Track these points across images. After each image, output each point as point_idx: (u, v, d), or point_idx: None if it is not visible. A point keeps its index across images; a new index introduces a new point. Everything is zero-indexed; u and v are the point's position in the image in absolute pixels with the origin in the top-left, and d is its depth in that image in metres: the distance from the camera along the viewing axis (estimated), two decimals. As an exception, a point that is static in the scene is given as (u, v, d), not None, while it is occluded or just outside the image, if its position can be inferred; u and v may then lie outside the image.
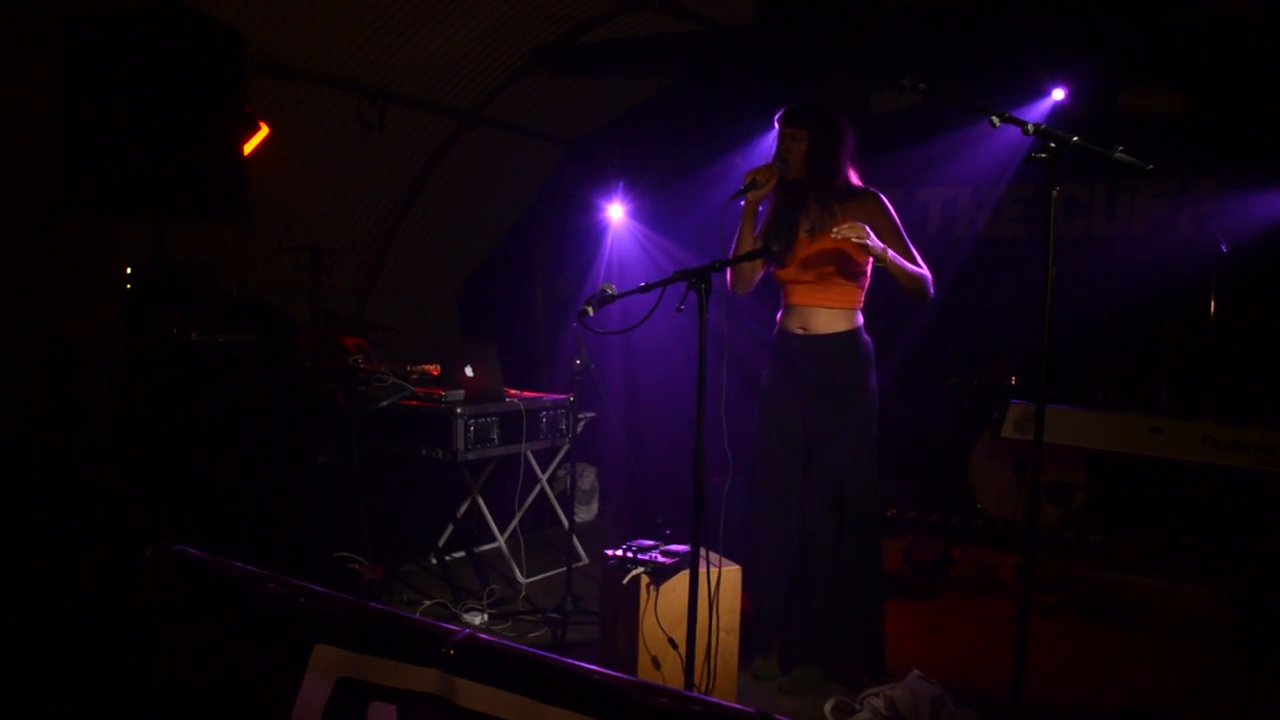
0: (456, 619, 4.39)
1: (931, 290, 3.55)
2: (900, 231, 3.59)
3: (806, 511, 3.69)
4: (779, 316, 3.79)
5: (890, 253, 3.40)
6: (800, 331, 3.68)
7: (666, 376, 6.58)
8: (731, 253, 3.69)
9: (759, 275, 3.78)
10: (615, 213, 7.07)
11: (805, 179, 3.64)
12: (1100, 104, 5.58)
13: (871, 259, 3.50)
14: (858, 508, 3.61)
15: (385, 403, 4.52)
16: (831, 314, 3.62)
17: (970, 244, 6.31)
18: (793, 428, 3.74)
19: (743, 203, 3.63)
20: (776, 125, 3.66)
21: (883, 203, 3.61)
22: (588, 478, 6.48)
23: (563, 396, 5.03)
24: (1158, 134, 5.43)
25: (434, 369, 5.12)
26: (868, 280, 3.68)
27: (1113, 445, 4.89)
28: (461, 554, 5.18)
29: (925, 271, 3.54)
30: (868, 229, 3.31)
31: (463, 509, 5.13)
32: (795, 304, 3.70)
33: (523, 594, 4.81)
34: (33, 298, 4.84)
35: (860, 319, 3.67)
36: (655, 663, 3.34)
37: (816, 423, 3.68)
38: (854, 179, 3.66)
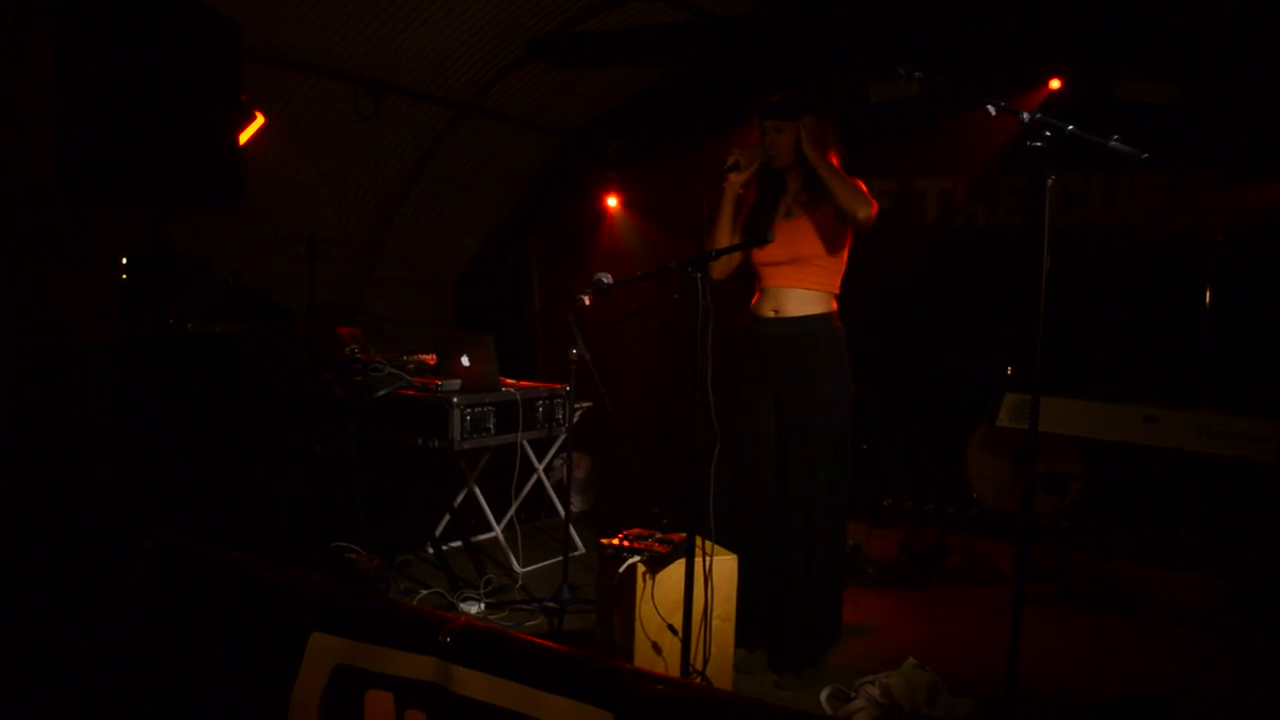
0: (453, 608, 4.40)
1: (872, 210, 3.45)
2: None
3: (782, 498, 3.70)
4: (753, 302, 3.80)
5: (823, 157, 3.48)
6: (772, 315, 3.68)
7: (662, 364, 6.58)
8: (711, 231, 3.70)
9: (738, 260, 3.77)
10: (611, 203, 7.06)
11: (790, 167, 3.67)
12: (1097, 93, 5.57)
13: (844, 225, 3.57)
14: (829, 493, 3.62)
15: (382, 392, 4.52)
16: (804, 296, 3.62)
17: (967, 234, 6.31)
18: (766, 414, 3.74)
19: (725, 183, 3.67)
20: (758, 118, 3.68)
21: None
22: (584, 467, 6.49)
23: (559, 386, 5.03)
24: (1154, 123, 5.41)
25: (430, 359, 5.12)
26: (843, 265, 3.68)
27: (1108, 434, 4.91)
28: (458, 543, 5.18)
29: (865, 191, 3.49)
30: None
31: (459, 499, 5.14)
32: (769, 287, 3.71)
33: (519, 583, 4.81)
34: (29, 289, 4.84)
35: (834, 305, 3.67)
36: (652, 651, 3.35)
37: (789, 406, 3.67)
38: (836, 165, 3.64)
